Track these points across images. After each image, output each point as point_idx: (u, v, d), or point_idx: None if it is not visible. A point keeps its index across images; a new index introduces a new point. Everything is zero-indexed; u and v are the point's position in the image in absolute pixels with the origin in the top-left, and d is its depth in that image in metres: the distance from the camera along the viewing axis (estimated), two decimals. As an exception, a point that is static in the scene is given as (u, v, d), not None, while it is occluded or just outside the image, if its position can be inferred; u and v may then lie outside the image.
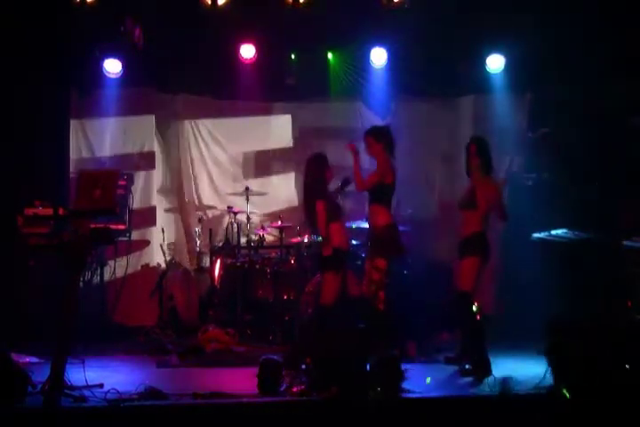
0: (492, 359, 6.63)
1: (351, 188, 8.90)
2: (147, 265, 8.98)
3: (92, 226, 5.68)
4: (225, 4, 8.14)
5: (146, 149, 9.29)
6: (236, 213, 8.81)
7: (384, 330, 6.98)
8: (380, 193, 6.96)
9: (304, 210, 7.00)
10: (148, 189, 9.12)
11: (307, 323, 7.28)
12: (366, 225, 8.18)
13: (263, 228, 8.76)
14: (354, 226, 8.37)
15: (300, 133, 9.44)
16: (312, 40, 8.90)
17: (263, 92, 9.29)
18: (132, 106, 9.17)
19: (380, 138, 7.05)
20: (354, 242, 8.44)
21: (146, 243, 9.03)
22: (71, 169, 8.77)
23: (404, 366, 6.05)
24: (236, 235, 8.84)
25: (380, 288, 6.92)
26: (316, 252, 7.52)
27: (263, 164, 9.38)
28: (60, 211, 5.74)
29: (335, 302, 6.79)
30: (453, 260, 7.01)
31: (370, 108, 9.48)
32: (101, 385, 5.86)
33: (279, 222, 8.51)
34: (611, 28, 8.22)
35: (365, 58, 9.12)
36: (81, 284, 6.24)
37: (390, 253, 6.97)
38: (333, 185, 6.97)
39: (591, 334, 6.09)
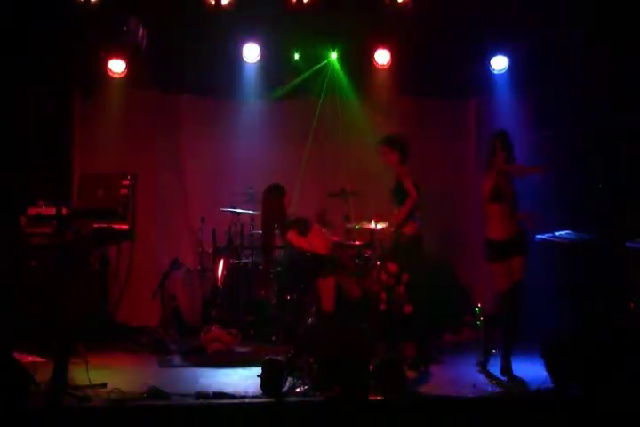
0: (494, 360, 6.68)
1: (353, 189, 9.02)
2: (149, 265, 8.96)
3: (95, 226, 5.68)
4: (228, 5, 8.15)
5: (149, 148, 9.29)
6: (239, 214, 8.81)
7: (383, 331, 7.01)
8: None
9: (263, 236, 7.23)
10: (152, 188, 9.11)
11: (309, 328, 7.26)
12: (369, 226, 8.18)
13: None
14: (357, 226, 8.36)
15: (302, 133, 9.42)
16: (315, 40, 8.91)
17: (266, 92, 9.31)
18: (135, 106, 9.17)
19: (395, 147, 7.08)
20: (357, 242, 8.45)
21: (149, 243, 9.01)
22: (74, 168, 8.78)
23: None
24: (238, 235, 8.85)
25: (383, 289, 6.96)
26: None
27: (267, 164, 9.36)
28: (63, 211, 5.74)
29: (336, 306, 6.83)
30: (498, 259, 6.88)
31: (373, 108, 9.48)
32: (104, 385, 5.86)
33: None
34: (611, 27, 8.23)
35: (369, 58, 9.13)
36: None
37: (408, 263, 7.00)
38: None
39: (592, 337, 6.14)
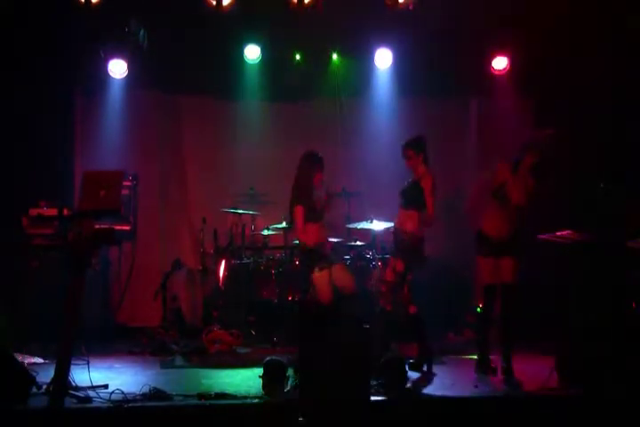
0: (496, 361, 6.68)
1: (353, 189, 9.02)
2: (151, 266, 8.96)
3: (97, 227, 5.67)
4: (229, 5, 8.15)
5: (150, 149, 9.31)
6: (240, 214, 8.82)
7: (386, 330, 7.03)
8: (421, 201, 6.98)
9: (289, 207, 7.07)
10: (153, 188, 9.12)
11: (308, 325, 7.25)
12: (369, 226, 8.19)
13: (267, 228, 8.75)
14: (358, 227, 8.36)
15: (304, 134, 9.42)
16: (316, 41, 8.91)
17: (267, 92, 9.31)
18: (137, 106, 9.18)
19: (420, 150, 7.07)
20: (359, 243, 8.46)
21: (150, 243, 9.01)
22: (76, 169, 8.78)
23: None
24: (240, 236, 8.85)
25: (391, 290, 6.96)
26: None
27: (268, 164, 9.37)
28: (65, 211, 5.74)
29: (333, 299, 6.81)
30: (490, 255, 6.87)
31: (374, 109, 9.48)
32: (106, 386, 5.87)
33: (283, 223, 8.50)
34: (611, 27, 8.24)
35: (370, 59, 9.15)
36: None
37: (410, 262, 6.99)
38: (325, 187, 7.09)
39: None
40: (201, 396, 5.69)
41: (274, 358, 6.09)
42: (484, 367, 6.74)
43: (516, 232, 6.76)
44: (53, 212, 5.76)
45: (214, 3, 8.13)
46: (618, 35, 8.26)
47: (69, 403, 5.46)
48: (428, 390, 6.11)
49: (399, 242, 7.01)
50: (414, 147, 7.07)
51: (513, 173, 6.75)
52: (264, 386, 5.89)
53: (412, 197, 6.97)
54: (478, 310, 8.17)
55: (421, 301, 7.22)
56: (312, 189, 6.89)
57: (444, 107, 9.61)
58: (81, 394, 5.64)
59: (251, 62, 9.10)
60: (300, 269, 8.14)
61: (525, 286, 7.89)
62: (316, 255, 6.87)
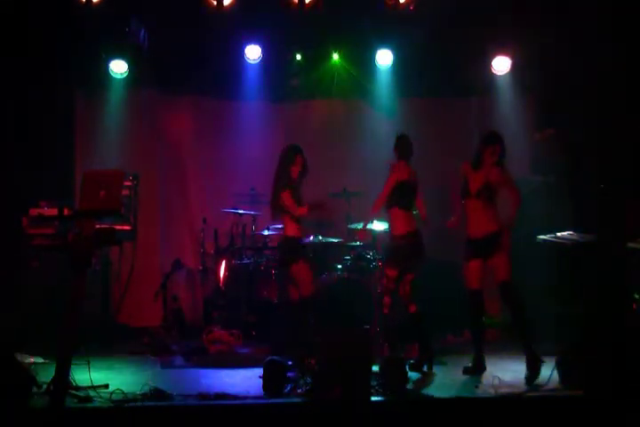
0: (496, 361, 6.66)
1: (354, 189, 9.01)
2: (151, 266, 8.96)
3: (97, 227, 5.67)
4: (230, 5, 8.16)
5: (151, 148, 9.31)
6: (241, 214, 8.82)
7: (386, 333, 7.05)
8: (397, 195, 6.98)
9: (272, 199, 7.05)
10: (153, 189, 9.12)
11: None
12: (370, 226, 8.19)
13: (268, 228, 8.75)
14: (358, 227, 8.35)
15: (304, 134, 9.41)
16: (317, 41, 8.92)
17: (268, 92, 9.31)
18: (137, 106, 9.19)
19: (396, 147, 7.12)
20: (359, 243, 8.44)
21: (151, 243, 9.01)
22: (76, 169, 8.79)
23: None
24: (240, 236, 8.85)
25: (386, 293, 6.99)
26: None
27: (268, 164, 9.35)
28: (65, 211, 5.74)
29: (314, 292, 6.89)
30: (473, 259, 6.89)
31: (375, 108, 9.49)
32: (106, 386, 5.87)
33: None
34: (611, 27, 8.24)
35: (371, 59, 9.15)
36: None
37: (401, 263, 6.98)
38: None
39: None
40: (201, 396, 5.69)
41: (274, 358, 6.09)
42: (471, 370, 6.74)
43: (497, 230, 6.76)
44: (53, 212, 5.76)
45: (214, 3, 8.14)
46: (618, 34, 8.25)
47: (70, 403, 5.46)
48: (427, 391, 6.10)
49: (389, 247, 7.05)
50: (395, 145, 7.13)
51: (474, 168, 6.86)
52: (264, 386, 5.89)
53: (390, 196, 7.01)
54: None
55: (420, 302, 7.24)
56: (291, 179, 6.92)
57: (445, 107, 9.61)
58: (81, 394, 5.64)
59: (251, 62, 9.10)
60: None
61: (525, 286, 7.91)
62: (294, 246, 6.91)
